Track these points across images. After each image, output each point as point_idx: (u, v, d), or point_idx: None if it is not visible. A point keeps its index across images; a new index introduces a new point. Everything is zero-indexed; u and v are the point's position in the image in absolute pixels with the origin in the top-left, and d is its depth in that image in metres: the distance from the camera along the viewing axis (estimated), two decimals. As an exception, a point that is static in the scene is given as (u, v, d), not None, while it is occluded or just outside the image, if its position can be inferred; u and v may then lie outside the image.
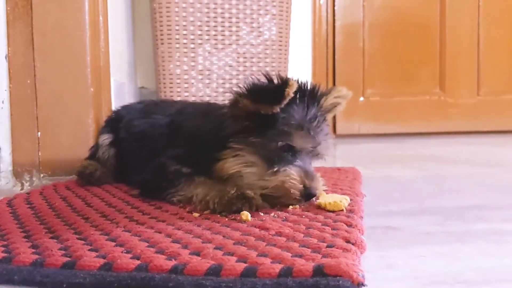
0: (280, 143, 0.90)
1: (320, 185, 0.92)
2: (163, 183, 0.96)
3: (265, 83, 0.91)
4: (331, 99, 0.98)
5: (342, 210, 0.85)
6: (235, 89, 0.92)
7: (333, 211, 0.85)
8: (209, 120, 1.03)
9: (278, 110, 0.88)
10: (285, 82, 0.87)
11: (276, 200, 0.90)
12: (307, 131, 0.91)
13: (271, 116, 0.89)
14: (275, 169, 0.89)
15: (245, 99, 0.89)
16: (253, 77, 0.93)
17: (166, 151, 1.04)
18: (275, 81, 0.90)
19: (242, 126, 0.92)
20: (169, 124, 1.12)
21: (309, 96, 0.93)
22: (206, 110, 1.12)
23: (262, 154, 0.90)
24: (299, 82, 0.91)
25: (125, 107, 1.35)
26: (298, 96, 0.90)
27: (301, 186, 0.88)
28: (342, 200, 0.86)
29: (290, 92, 0.85)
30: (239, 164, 0.91)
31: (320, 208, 0.87)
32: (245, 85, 0.91)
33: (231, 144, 0.92)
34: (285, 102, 0.87)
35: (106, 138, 1.27)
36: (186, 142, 1.03)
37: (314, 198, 0.90)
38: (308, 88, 0.94)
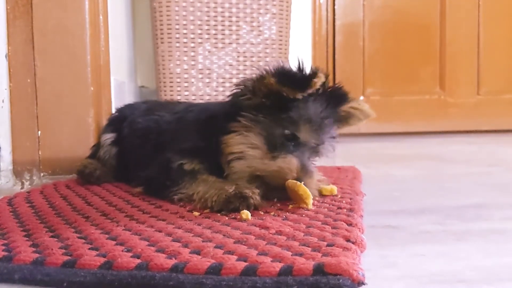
0: (286, 131, 0.92)
1: (313, 183, 0.93)
2: (167, 182, 0.96)
3: (295, 69, 0.92)
4: (347, 107, 0.99)
5: (336, 195, 0.91)
6: (265, 67, 0.94)
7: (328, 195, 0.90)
8: (223, 103, 1.06)
9: (300, 97, 0.89)
10: (314, 73, 0.88)
11: (270, 185, 0.91)
12: (316, 127, 0.93)
13: (287, 101, 0.90)
14: (275, 155, 0.91)
15: (271, 78, 0.90)
16: (284, 62, 0.94)
17: (172, 147, 1.04)
18: (305, 70, 0.90)
19: (258, 101, 0.93)
20: (177, 121, 1.11)
21: (330, 94, 0.94)
22: (219, 101, 1.13)
23: (267, 137, 0.92)
24: (327, 78, 0.92)
25: (129, 106, 1.35)
26: (320, 90, 0.92)
27: (295, 176, 0.89)
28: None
29: (317, 83, 0.87)
30: (244, 145, 0.93)
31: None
32: (275, 66, 0.92)
33: (241, 118, 0.93)
34: (309, 91, 0.88)
35: (108, 138, 1.26)
36: (198, 133, 1.03)
37: None
38: (333, 86, 0.96)
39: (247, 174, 0.92)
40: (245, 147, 0.92)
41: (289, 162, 0.90)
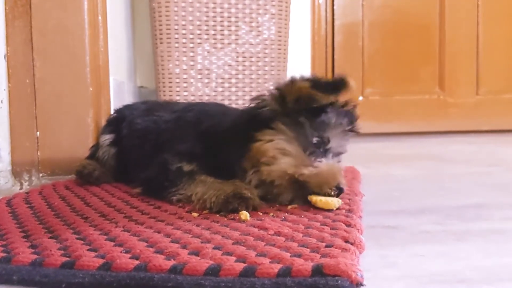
0: (316, 137, 0.91)
1: (345, 183, 0.93)
2: (165, 182, 0.96)
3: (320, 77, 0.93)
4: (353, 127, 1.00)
5: (332, 209, 0.85)
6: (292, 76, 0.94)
7: (323, 209, 0.85)
8: (230, 110, 1.06)
9: (333, 100, 0.90)
10: (345, 78, 0.89)
11: (305, 190, 0.89)
12: (343, 135, 0.94)
13: (317, 109, 0.91)
14: (311, 160, 0.89)
15: (304, 82, 0.89)
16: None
17: (170, 147, 1.03)
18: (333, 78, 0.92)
19: (288, 108, 0.92)
20: (175, 120, 1.11)
21: (349, 111, 0.95)
22: (219, 104, 1.13)
23: (299, 144, 0.90)
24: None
25: (128, 107, 1.34)
26: (345, 104, 0.95)
27: (340, 179, 0.90)
28: (333, 200, 0.86)
29: (352, 86, 0.88)
30: (277, 150, 0.90)
31: (311, 203, 0.87)
32: (303, 75, 0.93)
33: (275, 124, 0.91)
34: (342, 93, 0.89)
35: (107, 138, 1.26)
36: (197, 136, 1.02)
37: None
38: (350, 105, 0.97)
39: (286, 178, 0.89)
40: (278, 153, 0.90)
41: (333, 167, 0.90)
